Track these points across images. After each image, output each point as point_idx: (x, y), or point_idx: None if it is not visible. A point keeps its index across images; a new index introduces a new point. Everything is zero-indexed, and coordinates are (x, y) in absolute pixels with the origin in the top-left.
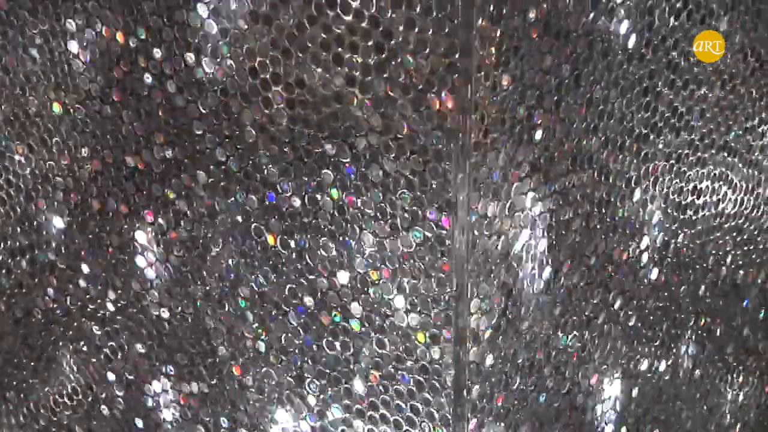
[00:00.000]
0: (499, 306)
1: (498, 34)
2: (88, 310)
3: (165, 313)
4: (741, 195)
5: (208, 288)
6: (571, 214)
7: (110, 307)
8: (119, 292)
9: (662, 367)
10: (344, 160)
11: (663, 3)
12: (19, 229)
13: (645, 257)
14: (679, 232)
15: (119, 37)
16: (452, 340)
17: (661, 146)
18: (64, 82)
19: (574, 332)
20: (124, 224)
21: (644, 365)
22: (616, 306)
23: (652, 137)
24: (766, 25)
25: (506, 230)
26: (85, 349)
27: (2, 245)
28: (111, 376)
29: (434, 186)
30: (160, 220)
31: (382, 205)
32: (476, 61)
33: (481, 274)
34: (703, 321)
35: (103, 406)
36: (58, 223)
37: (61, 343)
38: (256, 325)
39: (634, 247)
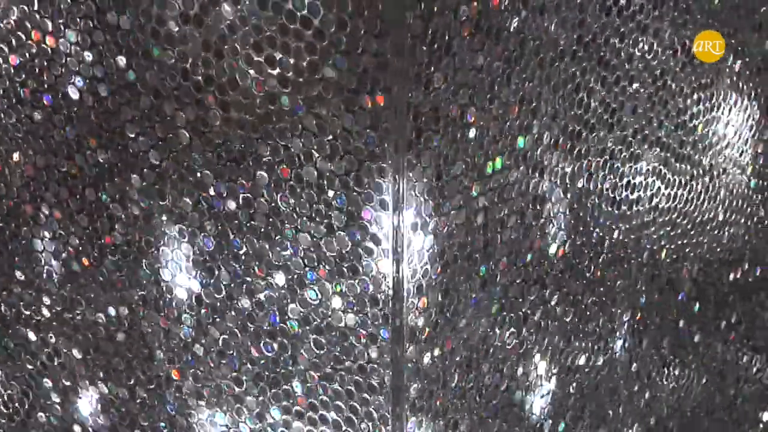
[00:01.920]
0: (436, 304)
1: (429, 32)
2: (23, 316)
3: (101, 318)
4: (674, 190)
5: (144, 292)
6: (506, 211)
7: (45, 312)
8: (54, 297)
9: (599, 361)
10: (278, 161)
11: None
12: None
13: (581, 253)
14: (614, 227)
15: (49, 40)
16: (390, 339)
17: (594, 142)
18: None
19: (512, 329)
20: (58, 229)
21: (581, 360)
22: (553, 302)
23: (585, 134)
24: (695, 20)
25: (441, 229)
26: (21, 355)
27: None
28: (47, 383)
29: (369, 186)
30: (95, 225)
31: (318, 205)
32: (408, 60)
33: (417, 273)
34: (639, 315)
35: (39, 413)
36: None
37: None
38: (194, 328)
39: (569, 243)
